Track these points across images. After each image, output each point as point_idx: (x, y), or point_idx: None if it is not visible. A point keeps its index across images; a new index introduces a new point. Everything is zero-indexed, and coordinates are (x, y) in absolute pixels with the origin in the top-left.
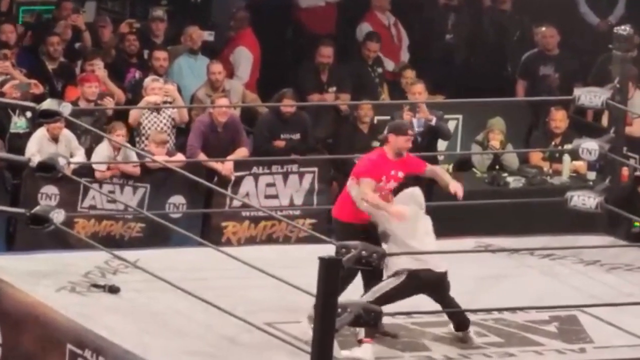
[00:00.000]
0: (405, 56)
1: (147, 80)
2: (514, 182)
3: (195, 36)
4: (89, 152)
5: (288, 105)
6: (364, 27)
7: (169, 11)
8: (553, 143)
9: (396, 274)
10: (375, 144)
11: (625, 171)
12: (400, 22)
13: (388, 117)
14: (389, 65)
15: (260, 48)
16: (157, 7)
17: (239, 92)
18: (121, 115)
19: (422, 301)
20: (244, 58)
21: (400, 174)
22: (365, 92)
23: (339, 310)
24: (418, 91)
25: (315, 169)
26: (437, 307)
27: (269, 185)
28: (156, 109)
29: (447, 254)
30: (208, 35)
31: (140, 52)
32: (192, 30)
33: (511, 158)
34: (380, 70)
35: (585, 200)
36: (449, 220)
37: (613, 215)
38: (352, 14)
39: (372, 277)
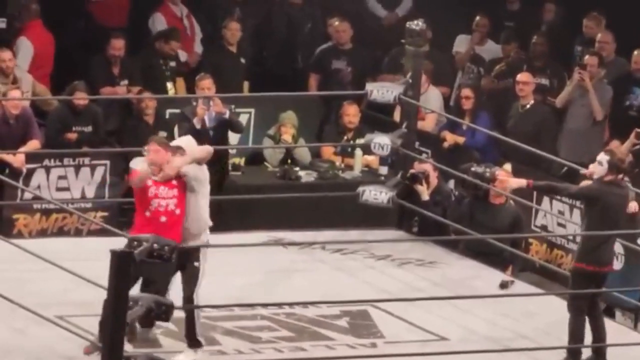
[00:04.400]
0: (198, 48)
1: None
2: (306, 176)
3: None
4: None
5: (80, 99)
6: (157, 18)
7: None
8: (345, 137)
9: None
10: (162, 133)
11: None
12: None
13: (179, 111)
14: (183, 56)
15: (53, 40)
16: None
17: (28, 83)
18: None
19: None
20: (24, 49)
21: None
22: (156, 84)
23: (130, 303)
24: (206, 86)
25: (107, 162)
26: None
27: (60, 177)
28: None
29: (239, 247)
30: (0, 22)
31: None
32: None
33: (303, 152)
34: (173, 63)
35: (376, 195)
36: (241, 214)
37: (404, 210)
38: (144, 7)
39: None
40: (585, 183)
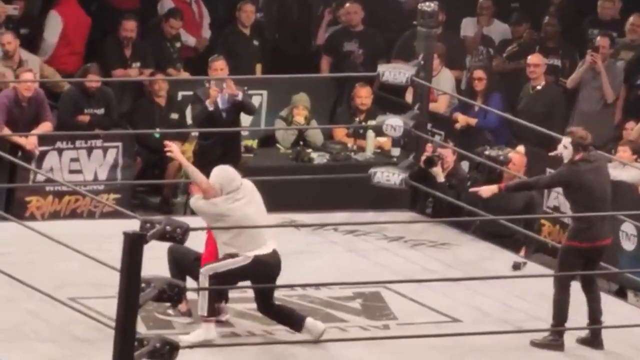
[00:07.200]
0: (206, 33)
1: None
2: (318, 158)
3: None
4: None
5: (93, 81)
6: (166, 3)
7: None
8: (357, 119)
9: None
10: (174, 115)
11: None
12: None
13: (191, 93)
14: (191, 41)
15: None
16: None
17: (35, 65)
18: None
19: None
20: (52, 22)
21: None
22: (165, 66)
23: (143, 285)
24: (220, 67)
25: (119, 144)
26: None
27: (73, 160)
28: None
29: (252, 228)
30: (13, 10)
31: None
32: None
33: (315, 134)
34: (178, 44)
35: (389, 176)
36: None
37: (416, 192)
38: None
39: None
40: None
